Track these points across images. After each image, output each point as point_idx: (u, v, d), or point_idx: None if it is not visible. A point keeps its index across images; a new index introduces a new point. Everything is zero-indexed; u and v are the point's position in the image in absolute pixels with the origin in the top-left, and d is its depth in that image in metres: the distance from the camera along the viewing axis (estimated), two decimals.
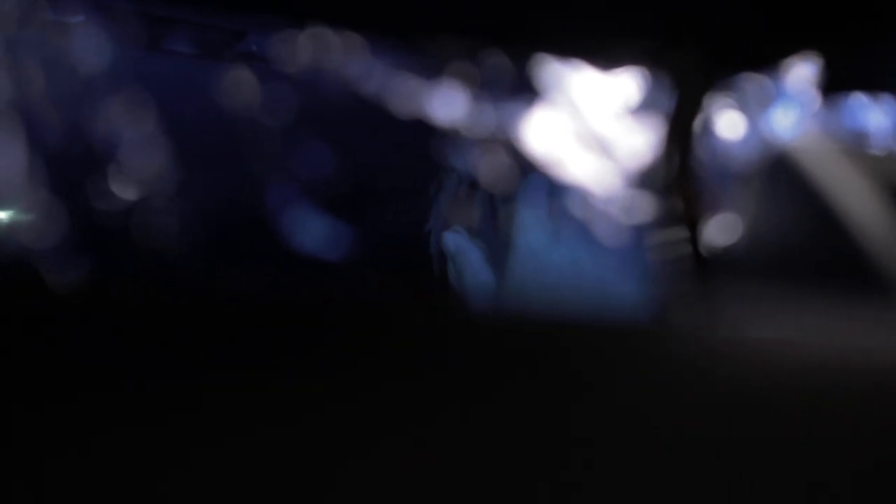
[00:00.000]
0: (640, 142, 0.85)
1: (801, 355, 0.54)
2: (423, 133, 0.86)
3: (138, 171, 0.75)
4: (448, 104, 0.84)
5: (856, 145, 0.86)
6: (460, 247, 0.89)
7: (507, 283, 0.87)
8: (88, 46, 0.72)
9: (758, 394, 0.51)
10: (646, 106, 0.84)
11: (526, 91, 0.83)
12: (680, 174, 0.85)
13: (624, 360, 0.50)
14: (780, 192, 0.85)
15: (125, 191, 0.74)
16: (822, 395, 0.52)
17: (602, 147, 0.85)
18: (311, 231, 0.83)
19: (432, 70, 0.82)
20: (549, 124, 0.85)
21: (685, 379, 0.50)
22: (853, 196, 0.81)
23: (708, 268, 0.85)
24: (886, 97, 0.97)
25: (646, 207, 0.85)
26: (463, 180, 0.89)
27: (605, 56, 0.80)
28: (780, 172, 0.84)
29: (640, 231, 0.88)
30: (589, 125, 0.85)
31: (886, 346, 0.56)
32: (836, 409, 0.51)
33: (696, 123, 0.83)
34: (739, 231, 0.85)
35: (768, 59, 0.82)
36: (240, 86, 0.78)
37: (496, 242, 0.87)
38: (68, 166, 0.73)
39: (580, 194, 0.87)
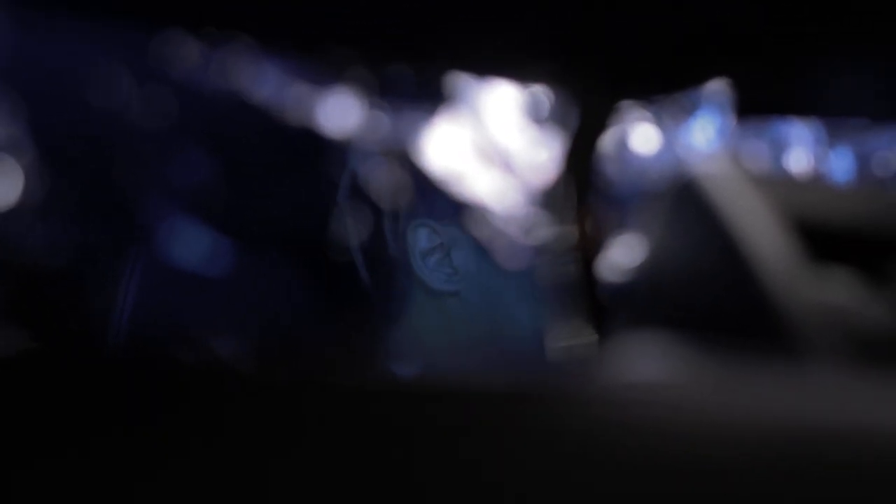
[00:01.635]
0: (541, 159, 0.82)
1: (691, 408, 0.51)
2: (315, 142, 0.82)
3: (2, 174, 0.69)
4: (343, 113, 0.79)
5: (769, 170, 0.84)
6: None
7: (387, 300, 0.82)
8: None
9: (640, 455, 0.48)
10: (549, 123, 0.81)
11: (427, 103, 0.79)
12: (579, 195, 0.82)
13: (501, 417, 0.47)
14: (687, 217, 0.82)
15: None
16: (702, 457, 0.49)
17: (503, 163, 0.82)
18: (191, 244, 0.78)
19: (328, 77, 0.78)
20: (449, 138, 0.81)
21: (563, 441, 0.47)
22: (761, 225, 0.79)
23: (602, 297, 0.83)
24: (801, 121, 0.95)
25: (544, 227, 0.82)
26: (354, 193, 0.84)
27: (510, 71, 0.77)
28: (688, 196, 0.82)
29: (535, 252, 0.84)
30: (491, 140, 0.82)
31: (779, 400, 0.54)
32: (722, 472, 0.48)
33: (599, 143, 0.80)
34: (640, 256, 0.83)
35: (682, 81, 0.79)
36: (118, 86, 0.73)
37: (383, 259, 0.82)
38: None
39: (477, 211, 0.83)
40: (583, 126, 0.78)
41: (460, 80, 0.78)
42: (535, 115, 0.80)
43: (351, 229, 0.79)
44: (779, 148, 0.94)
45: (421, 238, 0.82)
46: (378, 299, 0.82)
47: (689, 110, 0.83)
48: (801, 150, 0.95)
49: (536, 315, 0.82)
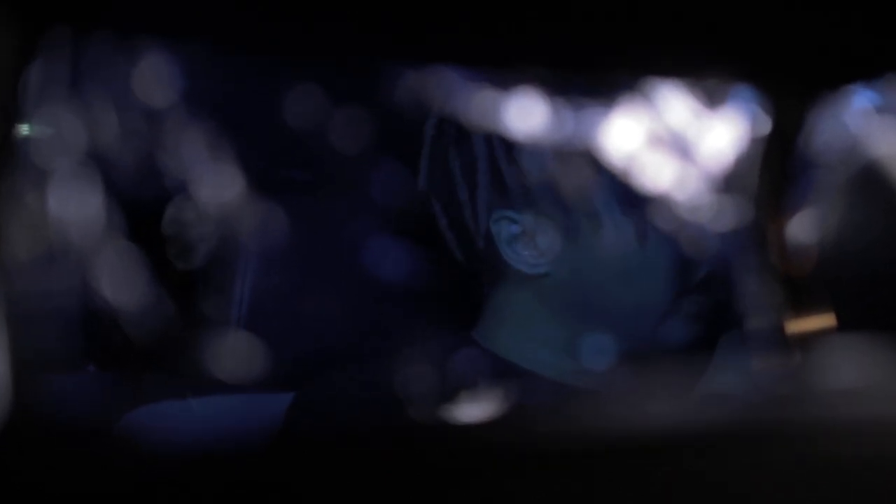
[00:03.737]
0: (733, 157, 0.81)
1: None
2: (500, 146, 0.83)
3: (214, 208, 0.72)
4: (532, 115, 0.80)
5: None
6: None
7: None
8: (158, 85, 0.69)
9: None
10: (742, 123, 0.80)
11: (616, 105, 0.79)
12: (771, 188, 0.82)
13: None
14: (871, 204, 0.81)
15: (201, 235, 0.72)
16: None
17: (695, 161, 0.81)
18: (393, 260, 0.81)
19: (517, 81, 0.78)
20: (640, 138, 0.81)
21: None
22: None
23: (799, 283, 0.82)
24: None
25: (738, 223, 0.82)
26: (541, 190, 0.86)
27: (700, 72, 0.76)
28: (872, 185, 0.81)
29: (726, 242, 0.84)
30: (681, 139, 0.81)
31: None
32: None
33: (793, 139, 0.80)
34: (833, 244, 0.82)
35: (864, 73, 0.78)
36: (317, 112, 0.74)
37: (477, 255, 0.84)
38: (142, 210, 0.70)
39: (667, 206, 0.83)
40: (775, 123, 0.78)
41: (650, 83, 0.77)
42: (726, 114, 0.80)
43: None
44: None
45: (503, 229, 0.85)
46: (482, 294, 0.85)
47: (873, 100, 0.82)
48: None
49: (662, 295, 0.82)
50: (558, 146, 0.82)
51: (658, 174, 0.82)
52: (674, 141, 0.81)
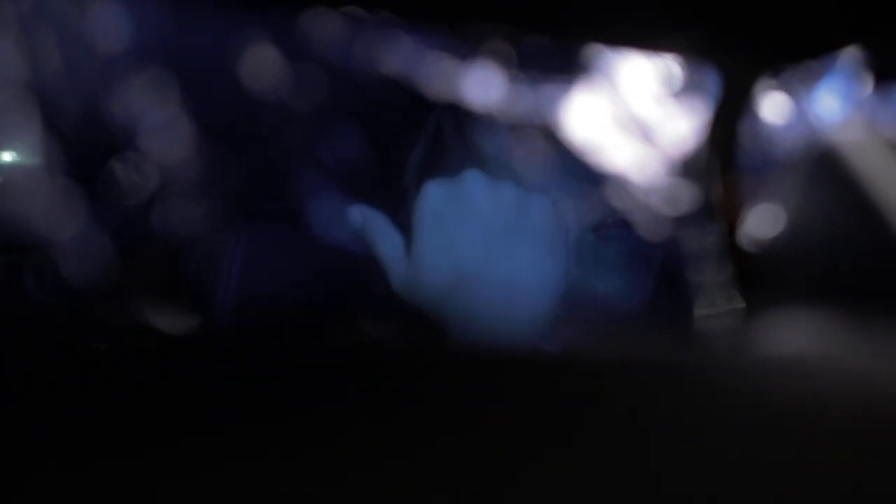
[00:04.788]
0: (681, 130, 0.81)
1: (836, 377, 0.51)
2: (458, 116, 0.83)
3: (160, 155, 0.71)
4: (485, 87, 0.80)
5: None
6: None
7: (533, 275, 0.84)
8: (109, 22, 0.68)
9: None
10: (690, 95, 0.80)
11: (567, 76, 0.79)
12: (720, 165, 0.82)
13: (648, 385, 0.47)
14: (825, 183, 0.81)
15: (146, 176, 0.71)
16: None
17: (643, 134, 0.81)
18: (341, 219, 0.80)
19: (469, 52, 0.78)
20: (588, 110, 0.81)
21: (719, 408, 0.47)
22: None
23: (746, 261, 0.82)
24: None
25: (685, 197, 0.82)
26: (493, 164, 0.85)
27: (650, 43, 0.76)
28: (825, 163, 0.81)
29: (678, 222, 0.84)
30: (630, 112, 0.81)
31: None
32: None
33: (742, 114, 0.80)
34: (781, 223, 0.82)
35: (816, 49, 0.78)
36: (267, 66, 0.74)
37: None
38: (86, 150, 0.69)
39: (618, 182, 0.83)
40: (724, 96, 0.78)
41: (599, 53, 0.77)
42: (676, 87, 0.80)
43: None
44: None
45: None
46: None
47: (826, 78, 0.82)
48: None
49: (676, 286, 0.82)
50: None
51: (609, 152, 0.82)
52: (623, 117, 0.81)
